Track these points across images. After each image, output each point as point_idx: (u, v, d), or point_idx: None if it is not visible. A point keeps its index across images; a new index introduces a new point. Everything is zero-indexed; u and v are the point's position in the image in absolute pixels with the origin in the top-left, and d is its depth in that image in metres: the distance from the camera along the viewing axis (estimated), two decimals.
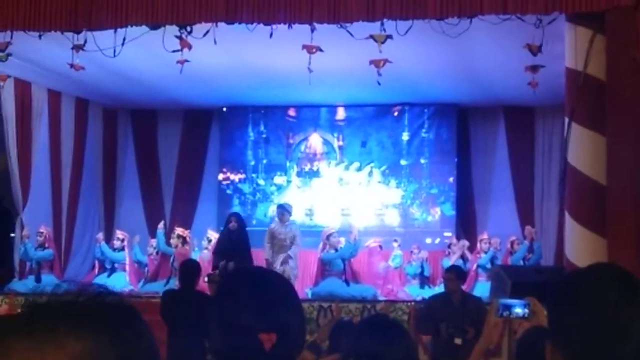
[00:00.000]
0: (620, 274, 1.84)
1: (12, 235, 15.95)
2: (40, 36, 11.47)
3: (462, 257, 15.04)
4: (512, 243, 14.87)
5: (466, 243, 15.33)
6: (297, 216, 17.39)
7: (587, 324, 1.77)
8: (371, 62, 11.40)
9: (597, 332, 1.75)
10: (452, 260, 14.92)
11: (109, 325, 1.08)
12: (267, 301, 2.01)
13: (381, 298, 13.62)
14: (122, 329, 1.09)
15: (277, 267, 13.75)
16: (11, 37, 11.57)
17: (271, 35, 11.06)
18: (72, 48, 11.63)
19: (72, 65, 12.08)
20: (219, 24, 10.82)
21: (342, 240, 14.37)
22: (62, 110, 16.31)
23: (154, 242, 15.71)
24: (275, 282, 2.09)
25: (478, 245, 15.03)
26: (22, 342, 1.04)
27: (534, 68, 11.80)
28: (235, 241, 14.01)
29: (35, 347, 1.03)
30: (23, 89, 15.17)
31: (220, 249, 14.12)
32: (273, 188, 17.73)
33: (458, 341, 8.96)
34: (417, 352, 3.17)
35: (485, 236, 15.07)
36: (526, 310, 3.33)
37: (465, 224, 17.12)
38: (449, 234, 16.51)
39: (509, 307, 3.34)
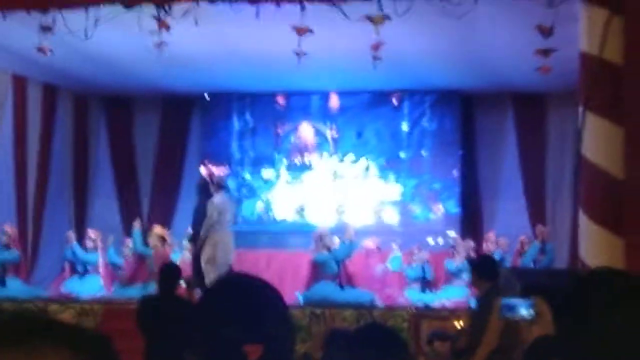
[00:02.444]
0: (630, 283, 1.84)
1: None
2: (4, 16, 11.44)
3: (467, 258, 15.07)
4: (521, 243, 14.92)
5: (472, 243, 15.36)
6: (287, 214, 17.43)
7: (595, 347, 1.77)
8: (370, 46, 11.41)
9: (608, 355, 1.76)
10: (457, 262, 14.97)
11: (86, 346, 1.13)
12: (252, 310, 2.02)
13: (379, 304, 13.64)
14: (99, 352, 1.15)
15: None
16: None
17: (257, 15, 11.05)
18: (40, 29, 11.62)
19: (39, 49, 12.07)
20: (200, 2, 10.82)
21: (336, 240, 14.40)
22: (28, 98, 16.28)
23: (130, 242, 15.71)
24: (262, 290, 2.11)
25: (484, 245, 15.06)
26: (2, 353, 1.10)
27: (545, 52, 11.82)
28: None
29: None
30: None
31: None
32: (260, 183, 17.73)
33: None
34: None
35: (492, 236, 15.11)
36: (531, 312, 3.36)
37: (471, 222, 17.16)
38: (453, 234, 16.53)
39: (512, 308, 3.37)
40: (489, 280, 8.27)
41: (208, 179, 14.08)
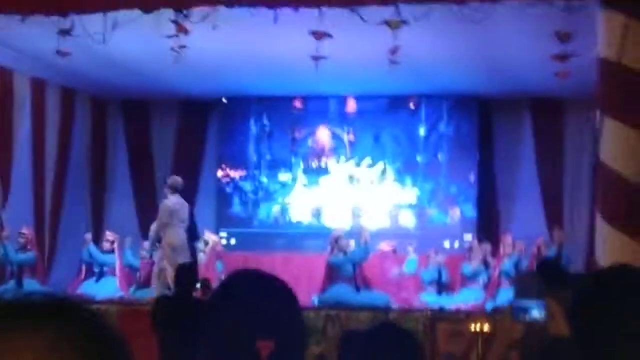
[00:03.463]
0: None
1: None
2: (23, 20, 11.50)
3: (484, 261, 15.06)
4: (538, 247, 14.87)
5: (488, 247, 15.34)
6: (304, 217, 17.45)
7: (611, 346, 1.76)
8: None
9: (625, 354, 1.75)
10: (473, 265, 14.95)
11: (73, 324, 1.12)
12: (264, 306, 2.04)
13: (394, 306, 13.64)
14: (92, 329, 1.13)
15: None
16: None
17: (275, 19, 11.08)
18: (58, 33, 11.67)
19: (58, 52, 12.12)
20: (219, 7, 10.85)
21: (352, 243, 14.39)
22: (47, 101, 16.35)
23: (146, 244, 15.75)
24: (274, 286, 2.13)
25: (501, 249, 15.03)
26: None
27: (562, 57, 11.80)
28: None
29: None
30: (4, 78, 15.20)
31: None
32: (277, 186, 17.76)
33: None
34: None
35: (509, 239, 15.07)
36: (543, 313, 3.37)
37: (488, 225, 17.13)
38: (469, 237, 16.51)
39: (525, 310, 3.39)
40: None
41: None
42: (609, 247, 10.05)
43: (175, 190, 13.72)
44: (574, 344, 1.88)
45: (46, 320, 1.11)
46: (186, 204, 13.80)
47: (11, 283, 14.60)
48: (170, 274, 13.19)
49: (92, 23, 11.33)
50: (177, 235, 13.48)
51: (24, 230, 14.91)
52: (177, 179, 14.03)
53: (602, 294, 1.87)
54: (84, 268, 15.87)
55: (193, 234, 14.05)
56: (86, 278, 15.65)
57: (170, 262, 13.12)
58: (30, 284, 14.56)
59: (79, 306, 1.16)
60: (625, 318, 1.80)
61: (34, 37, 12.72)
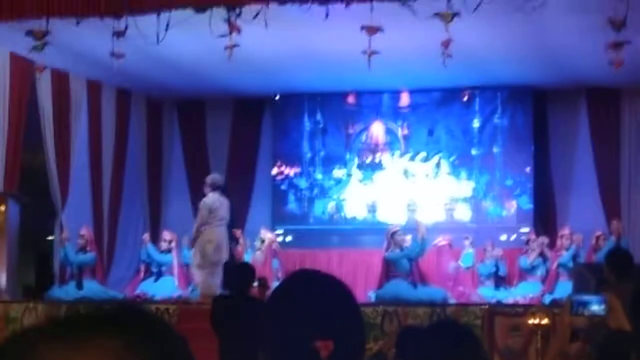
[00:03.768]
0: None
1: (51, 238, 16.21)
2: (78, 22, 11.63)
3: (541, 254, 14.95)
4: (596, 239, 14.74)
5: (545, 240, 15.23)
6: (359, 212, 17.44)
7: None
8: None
9: None
10: (531, 258, 14.85)
11: (140, 327, 1.14)
12: (323, 306, 2.04)
13: (452, 301, 13.59)
14: (155, 334, 1.15)
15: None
16: (47, 25, 11.75)
17: (327, 15, 11.10)
18: (113, 35, 11.79)
19: (112, 54, 12.24)
20: (270, 4, 10.89)
21: (408, 238, 14.37)
22: (103, 102, 16.52)
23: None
24: (331, 285, 2.13)
25: (559, 241, 14.92)
26: (54, 350, 1.11)
27: (616, 45, 11.67)
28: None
29: (66, 349, 1.11)
30: (60, 80, 15.40)
31: None
32: (332, 182, 17.76)
33: None
34: None
35: (566, 231, 14.95)
36: (603, 307, 3.33)
37: (544, 218, 17.00)
38: (526, 230, 16.39)
39: (584, 304, 3.35)
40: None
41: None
42: None
43: (214, 187, 13.79)
44: (635, 337, 1.85)
45: (111, 328, 1.13)
46: (226, 201, 13.86)
47: (71, 284, 14.76)
48: (197, 276, 13.34)
49: (145, 24, 11.42)
50: (217, 233, 13.57)
51: (83, 232, 15.09)
52: (216, 177, 14.13)
53: None
54: (142, 268, 16.01)
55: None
56: (145, 278, 15.79)
57: (205, 262, 13.25)
58: (90, 285, 14.73)
59: (144, 312, 1.18)
60: None
61: (89, 40, 12.86)
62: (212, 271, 13.35)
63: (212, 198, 13.69)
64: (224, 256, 13.49)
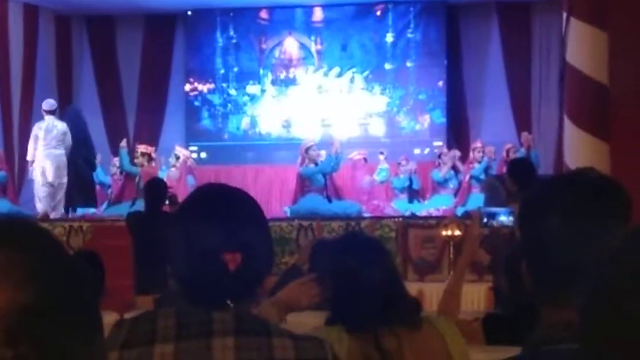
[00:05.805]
0: (599, 181, 1.73)
1: None
2: None
3: (454, 167, 15.11)
4: (507, 151, 14.91)
5: (457, 153, 15.39)
6: (273, 128, 17.42)
7: (550, 242, 1.68)
8: None
9: (561, 251, 1.66)
10: (443, 171, 15.01)
11: (23, 241, 1.11)
12: (230, 219, 2.03)
13: (366, 215, 13.70)
14: (39, 247, 1.12)
15: None
16: None
17: None
18: None
19: None
20: None
21: (323, 153, 14.37)
22: (9, 18, 16.10)
23: (116, 161, 15.68)
24: (239, 199, 2.11)
25: (471, 154, 15.07)
26: None
27: None
28: None
29: None
30: None
31: None
32: (245, 98, 17.68)
33: None
34: (398, 272, 3.20)
35: (478, 144, 15.11)
36: (511, 218, 3.37)
37: (457, 132, 17.18)
38: (439, 144, 16.57)
39: (493, 216, 3.38)
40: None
41: None
42: (577, 148, 10.13)
43: (49, 112, 13.76)
44: (522, 250, 1.81)
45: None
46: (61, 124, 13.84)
47: None
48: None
49: None
50: (52, 156, 13.70)
51: None
52: (49, 101, 14.06)
53: (544, 200, 1.76)
54: None
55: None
56: None
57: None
58: (2, 204, 14.50)
59: (29, 225, 1.14)
60: (568, 227, 1.69)
61: None
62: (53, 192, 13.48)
63: (46, 122, 13.69)
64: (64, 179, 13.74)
